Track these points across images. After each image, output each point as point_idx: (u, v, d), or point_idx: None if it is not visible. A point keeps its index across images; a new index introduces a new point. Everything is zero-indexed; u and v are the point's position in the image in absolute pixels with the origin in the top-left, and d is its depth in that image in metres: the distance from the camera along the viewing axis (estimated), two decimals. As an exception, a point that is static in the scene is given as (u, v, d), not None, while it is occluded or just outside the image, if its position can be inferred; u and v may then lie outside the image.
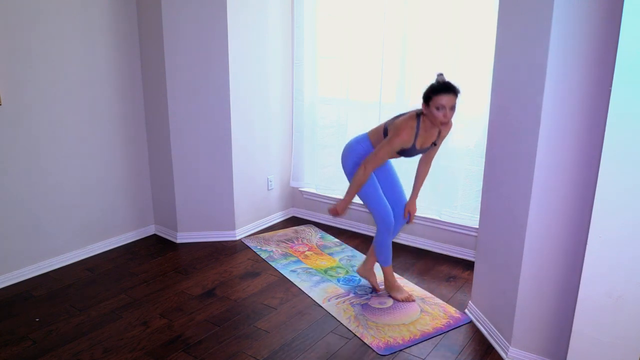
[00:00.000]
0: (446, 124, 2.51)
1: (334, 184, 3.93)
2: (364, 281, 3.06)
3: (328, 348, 2.42)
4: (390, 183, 2.85)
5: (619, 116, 1.69)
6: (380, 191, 2.74)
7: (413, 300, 2.82)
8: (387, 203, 2.75)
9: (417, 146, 2.56)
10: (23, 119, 2.92)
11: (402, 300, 2.82)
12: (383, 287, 2.96)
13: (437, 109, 2.40)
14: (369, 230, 3.79)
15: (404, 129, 2.50)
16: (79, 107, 3.18)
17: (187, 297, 2.88)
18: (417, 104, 3.42)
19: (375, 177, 2.72)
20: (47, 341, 2.45)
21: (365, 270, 3.02)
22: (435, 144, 2.64)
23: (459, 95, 2.43)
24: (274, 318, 2.68)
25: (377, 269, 3.18)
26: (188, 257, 3.40)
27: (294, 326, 2.61)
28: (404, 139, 2.50)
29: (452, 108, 2.42)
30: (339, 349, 2.42)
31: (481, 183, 2.58)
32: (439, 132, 2.60)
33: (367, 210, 3.75)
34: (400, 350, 2.41)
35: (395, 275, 3.13)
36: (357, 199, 2.82)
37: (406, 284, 3.03)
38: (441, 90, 2.38)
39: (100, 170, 3.37)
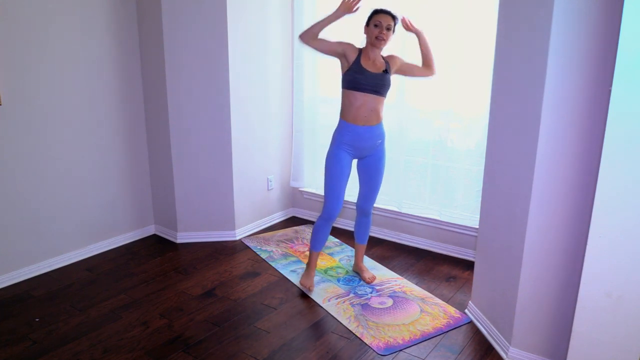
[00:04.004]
0: (381, 41, 2.68)
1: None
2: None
3: (328, 348, 2.42)
4: (368, 177, 2.91)
5: (619, 116, 1.69)
6: (343, 183, 2.81)
7: (311, 291, 2.92)
8: (341, 196, 2.82)
9: (363, 65, 2.70)
10: (23, 119, 2.92)
11: (302, 284, 2.94)
12: (369, 278, 3.06)
13: (375, 26, 2.68)
14: (370, 230, 3.77)
15: (350, 43, 2.77)
16: (79, 107, 3.18)
17: (187, 297, 2.88)
18: (417, 104, 3.46)
19: (345, 168, 2.79)
20: (47, 341, 2.45)
21: (356, 266, 3.18)
22: (386, 71, 2.74)
23: (396, 21, 2.72)
24: (274, 318, 2.68)
25: (370, 266, 3.20)
26: (188, 257, 3.40)
27: (294, 326, 2.61)
28: (349, 44, 2.74)
29: (389, 28, 2.68)
30: (339, 349, 2.42)
31: (481, 183, 2.58)
32: (387, 62, 2.76)
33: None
34: (400, 350, 2.41)
35: (395, 275, 3.14)
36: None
37: (406, 284, 3.03)
38: (379, 11, 2.71)
39: (100, 170, 3.37)
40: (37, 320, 2.63)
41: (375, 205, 3.68)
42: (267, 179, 3.92)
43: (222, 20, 3.28)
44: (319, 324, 2.63)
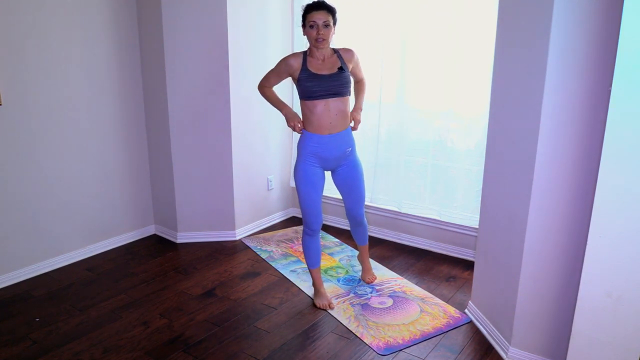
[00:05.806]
0: (322, 42, 2.48)
1: (332, 183, 3.92)
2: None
3: (328, 348, 2.42)
4: (349, 189, 2.77)
5: (619, 116, 1.69)
6: (317, 197, 2.65)
7: (332, 308, 2.75)
8: (319, 210, 2.67)
9: (313, 70, 2.52)
10: (23, 119, 2.92)
11: (320, 307, 2.76)
12: (369, 279, 3.05)
13: (311, 27, 2.47)
14: (370, 230, 3.78)
15: (290, 55, 2.61)
16: (79, 107, 3.18)
17: (187, 297, 2.88)
18: (417, 104, 3.46)
19: (316, 183, 2.64)
20: (47, 341, 2.45)
21: (361, 262, 3.12)
22: (342, 69, 2.54)
23: (334, 13, 2.50)
24: (274, 318, 2.68)
25: (375, 268, 3.20)
26: (188, 257, 3.40)
27: (294, 326, 2.61)
28: (288, 61, 2.56)
29: (327, 25, 2.46)
30: (339, 349, 2.42)
31: (481, 183, 2.58)
32: (341, 58, 2.58)
33: (368, 210, 3.75)
34: (400, 350, 2.41)
35: (395, 275, 3.14)
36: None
37: (406, 284, 3.03)
38: (312, 8, 2.47)
39: (100, 170, 3.37)
40: (37, 320, 2.63)
41: (375, 205, 3.71)
42: (267, 179, 3.92)
43: (222, 19, 3.28)
44: (319, 323, 2.63)
